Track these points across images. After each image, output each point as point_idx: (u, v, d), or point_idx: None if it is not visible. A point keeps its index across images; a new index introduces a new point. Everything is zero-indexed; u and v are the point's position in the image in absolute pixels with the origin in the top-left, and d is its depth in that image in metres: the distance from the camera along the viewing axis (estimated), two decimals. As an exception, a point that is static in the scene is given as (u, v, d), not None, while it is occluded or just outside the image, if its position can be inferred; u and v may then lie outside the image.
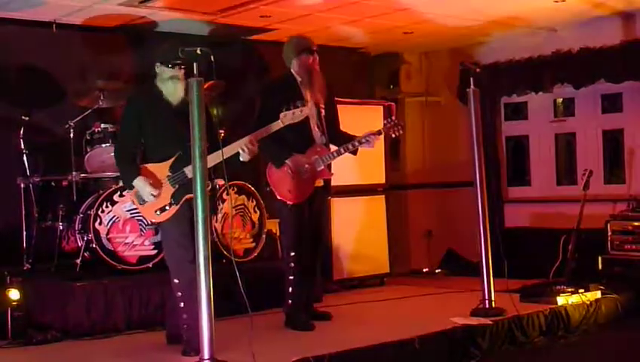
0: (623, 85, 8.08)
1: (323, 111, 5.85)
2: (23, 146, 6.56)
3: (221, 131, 6.43)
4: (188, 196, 4.91)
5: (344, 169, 7.00)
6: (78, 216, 6.30)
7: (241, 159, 5.08)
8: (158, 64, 5.08)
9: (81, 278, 5.94)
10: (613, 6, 7.58)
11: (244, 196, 6.85)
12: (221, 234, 6.62)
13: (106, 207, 6.14)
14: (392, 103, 8.33)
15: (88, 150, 6.59)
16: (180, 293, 5.03)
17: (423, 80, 9.72)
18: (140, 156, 5.22)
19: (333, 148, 5.88)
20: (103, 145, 6.45)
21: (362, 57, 9.31)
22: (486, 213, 6.05)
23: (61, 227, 6.45)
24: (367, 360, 4.97)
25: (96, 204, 6.12)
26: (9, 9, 6.74)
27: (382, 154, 8.05)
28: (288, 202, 5.74)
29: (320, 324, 5.79)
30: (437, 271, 9.03)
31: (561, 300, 6.30)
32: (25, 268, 6.44)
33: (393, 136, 5.94)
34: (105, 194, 6.16)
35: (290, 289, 5.80)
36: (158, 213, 5.05)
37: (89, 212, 6.16)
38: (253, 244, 6.88)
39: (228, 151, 4.94)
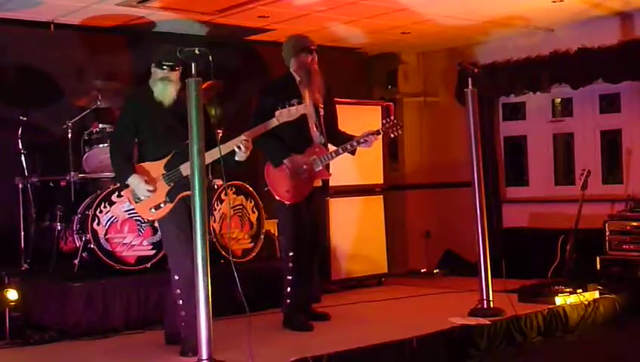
0: (620, 85, 8.09)
1: (322, 111, 5.85)
2: (21, 146, 6.56)
3: (219, 131, 6.43)
4: (183, 194, 4.99)
5: (342, 169, 7.01)
6: (76, 217, 6.30)
7: (236, 158, 5.08)
8: (152, 65, 5.12)
9: (80, 278, 5.94)
10: (611, 6, 7.59)
11: (242, 196, 6.85)
12: (219, 234, 6.62)
13: (104, 207, 6.14)
14: (391, 103, 8.34)
15: (86, 150, 6.59)
16: (179, 290, 5.04)
17: (420, 80, 9.72)
18: (136, 155, 5.26)
19: (331, 148, 5.88)
20: (101, 146, 6.45)
21: (360, 57, 9.32)
22: (484, 213, 6.05)
23: (59, 227, 6.46)
24: (366, 361, 4.96)
25: (95, 204, 6.12)
26: (7, 9, 6.74)
27: (380, 154, 8.06)
28: (286, 202, 5.74)
29: (318, 324, 5.79)
30: (435, 271, 9.03)
31: (559, 300, 6.30)
32: (23, 268, 6.44)
33: (392, 136, 5.96)
34: (103, 194, 6.16)
35: (289, 289, 5.80)
36: (153, 210, 5.09)
37: (87, 212, 6.16)
38: (252, 245, 6.88)
39: (223, 149, 4.94)
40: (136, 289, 6.02)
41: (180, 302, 5.04)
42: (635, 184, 8.06)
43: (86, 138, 6.62)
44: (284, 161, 5.71)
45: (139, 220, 6.15)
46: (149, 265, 6.21)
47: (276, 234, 7.05)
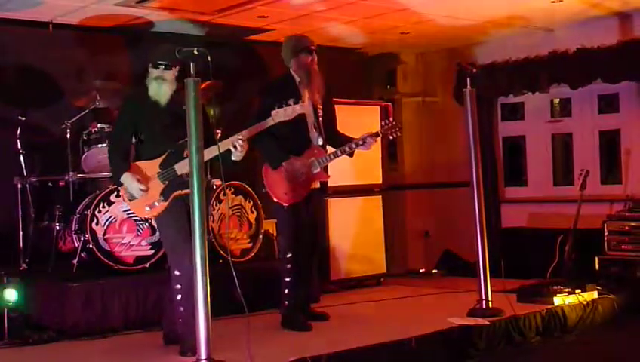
0: (619, 86, 8.09)
1: (320, 111, 5.85)
2: (19, 146, 6.56)
3: (218, 131, 6.43)
4: (177, 192, 5.05)
5: (341, 169, 7.01)
6: (75, 217, 6.30)
7: (233, 158, 5.09)
8: (149, 64, 5.15)
9: (78, 278, 5.94)
10: (609, 6, 7.59)
11: (241, 196, 6.85)
12: (218, 234, 6.62)
13: (103, 207, 6.14)
14: (389, 104, 8.33)
15: (85, 150, 6.60)
16: (179, 286, 5.06)
17: (419, 80, 9.72)
18: (133, 154, 5.30)
19: (330, 150, 5.88)
20: (100, 146, 6.45)
21: (359, 57, 9.32)
22: (483, 213, 6.05)
23: (58, 227, 6.46)
24: (365, 361, 4.97)
25: (93, 204, 6.12)
26: (6, 9, 6.74)
27: (379, 154, 8.05)
28: (284, 204, 5.73)
29: (317, 325, 5.79)
30: (434, 271, 9.03)
31: (557, 300, 6.30)
32: (22, 268, 6.44)
33: (391, 137, 5.95)
34: (102, 194, 6.16)
35: (287, 290, 5.80)
36: (147, 208, 5.13)
37: (86, 212, 6.16)
38: (250, 245, 6.89)
39: (216, 148, 4.93)
40: (135, 290, 6.02)
41: (179, 297, 5.06)
42: (634, 184, 8.07)
43: (85, 138, 6.63)
44: (283, 163, 5.70)
45: (137, 220, 6.15)
46: (147, 265, 6.21)
47: (275, 235, 7.05)
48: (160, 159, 5.10)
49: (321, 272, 6.99)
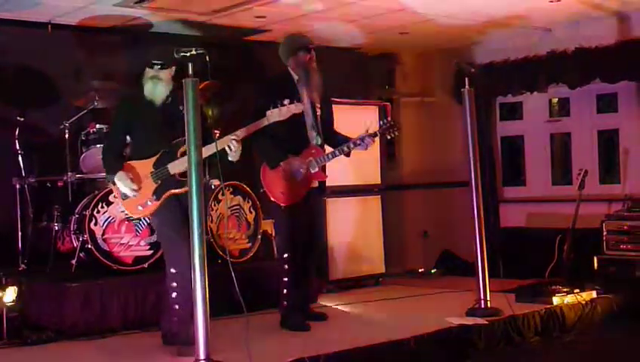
0: (618, 85, 8.09)
1: (319, 110, 5.84)
2: (18, 147, 6.56)
3: (217, 131, 6.43)
4: (170, 192, 5.07)
5: (340, 169, 7.01)
6: (74, 217, 6.30)
7: (229, 158, 5.09)
8: (145, 64, 5.18)
9: (77, 279, 5.94)
10: (608, 6, 7.59)
11: (239, 197, 6.85)
12: (216, 234, 6.62)
13: (102, 207, 6.14)
14: (388, 104, 8.33)
15: (84, 150, 6.60)
16: (175, 283, 5.09)
17: (418, 80, 9.72)
18: (128, 154, 5.34)
19: (328, 149, 5.88)
20: (99, 146, 6.44)
21: (358, 58, 9.31)
22: (481, 213, 6.05)
23: (56, 227, 6.45)
24: (363, 361, 4.97)
25: (92, 204, 6.12)
26: (4, 9, 6.73)
27: (377, 154, 8.06)
28: (281, 204, 5.73)
29: (316, 325, 5.79)
30: (433, 271, 9.03)
31: (556, 300, 6.30)
32: (20, 268, 6.44)
33: (389, 137, 5.94)
34: (100, 194, 6.15)
35: (285, 290, 5.79)
36: (140, 208, 5.16)
37: (84, 212, 6.16)
38: (249, 245, 6.89)
39: (212, 148, 4.94)
40: (134, 290, 6.02)
41: (174, 295, 5.10)
42: (633, 184, 8.07)
43: (83, 138, 6.64)
44: (281, 163, 5.70)
45: (137, 220, 6.15)
46: (146, 265, 6.21)
47: (273, 235, 7.05)
48: (153, 159, 5.13)
49: (320, 272, 6.99)
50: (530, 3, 7.35)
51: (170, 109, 5.13)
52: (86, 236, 6.05)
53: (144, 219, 5.99)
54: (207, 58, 4.64)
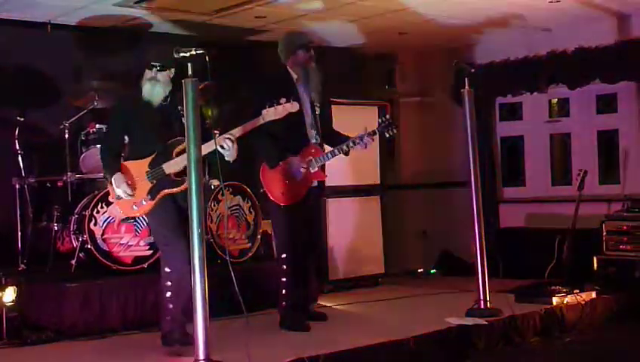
0: (617, 85, 8.10)
1: (318, 110, 5.84)
2: (18, 147, 6.57)
3: (216, 132, 6.42)
4: (165, 191, 5.09)
5: (339, 169, 7.01)
6: (73, 217, 6.29)
7: (226, 158, 5.08)
8: (145, 66, 5.20)
9: (76, 279, 5.94)
10: (608, 6, 7.59)
11: (239, 197, 6.85)
12: (216, 234, 6.62)
13: (101, 207, 6.14)
14: (387, 104, 8.33)
15: (83, 151, 6.61)
16: (169, 283, 5.11)
17: (418, 80, 9.72)
18: (126, 154, 5.36)
19: (327, 148, 5.87)
20: (98, 146, 6.41)
21: (358, 57, 9.31)
22: (481, 213, 6.05)
23: (56, 228, 6.45)
24: (363, 361, 4.97)
25: (92, 204, 6.12)
26: (3, 10, 6.73)
27: (377, 154, 8.06)
28: (281, 204, 5.72)
29: (315, 325, 5.78)
30: (432, 271, 9.03)
31: (556, 300, 6.30)
32: (20, 268, 6.44)
33: (387, 135, 5.91)
34: (100, 194, 6.15)
35: (284, 291, 5.79)
36: (135, 207, 5.20)
37: (84, 212, 6.16)
38: (249, 245, 6.88)
39: (206, 147, 4.93)
40: (133, 290, 6.01)
41: (168, 294, 5.12)
42: (632, 184, 8.07)
43: (83, 138, 6.64)
44: (280, 163, 5.69)
45: (136, 221, 6.15)
46: (145, 265, 6.20)
47: (273, 235, 7.04)
48: (149, 159, 5.14)
49: (320, 272, 6.98)
50: (529, 3, 7.34)
51: (168, 110, 5.16)
52: (85, 236, 6.05)
53: (144, 219, 5.99)
54: (207, 58, 4.64)
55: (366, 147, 5.83)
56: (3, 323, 5.64)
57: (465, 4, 7.27)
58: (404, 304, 6.94)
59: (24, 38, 7.06)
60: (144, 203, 5.15)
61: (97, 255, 6.07)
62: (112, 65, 7.38)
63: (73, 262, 6.13)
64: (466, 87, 6.11)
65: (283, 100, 5.19)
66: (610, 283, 6.99)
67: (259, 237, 6.96)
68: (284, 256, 5.77)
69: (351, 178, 7.78)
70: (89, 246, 6.06)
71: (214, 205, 6.68)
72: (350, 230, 7.85)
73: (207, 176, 6.63)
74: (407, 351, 5.16)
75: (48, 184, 6.67)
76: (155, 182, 5.12)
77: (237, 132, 5.11)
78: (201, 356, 4.42)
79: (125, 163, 5.22)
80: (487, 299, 5.98)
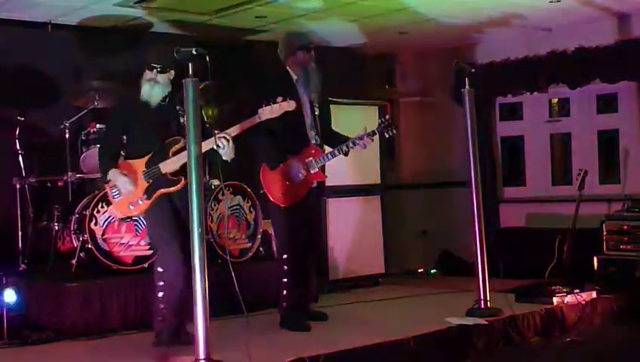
0: (618, 85, 8.10)
1: (317, 110, 5.83)
2: (18, 147, 6.57)
3: (216, 131, 6.42)
4: (162, 191, 5.09)
5: (340, 169, 7.01)
6: (74, 217, 6.30)
7: (224, 158, 5.07)
8: (145, 66, 5.20)
9: (77, 279, 5.94)
10: (608, 6, 7.59)
11: (239, 196, 6.85)
12: (217, 234, 6.62)
13: (102, 207, 6.14)
14: (387, 103, 8.33)
15: (84, 150, 6.61)
16: (161, 282, 5.13)
17: (418, 80, 9.72)
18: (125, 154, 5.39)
19: (327, 149, 5.87)
20: (99, 146, 6.44)
21: (357, 57, 9.31)
22: (481, 213, 6.05)
23: (57, 227, 6.45)
24: (363, 361, 4.97)
25: (92, 204, 6.12)
26: (4, 10, 6.74)
27: (377, 154, 8.06)
28: (281, 205, 5.72)
29: (316, 324, 5.78)
30: (432, 271, 9.04)
31: (556, 300, 6.30)
32: (20, 268, 6.44)
33: (387, 135, 5.90)
34: (100, 194, 6.15)
35: (285, 291, 5.78)
36: (131, 207, 5.19)
37: (84, 212, 6.16)
38: (249, 245, 6.88)
39: (203, 146, 4.92)
40: (134, 290, 6.01)
41: (160, 294, 5.13)
42: (632, 184, 8.07)
43: (83, 138, 6.64)
44: (281, 164, 5.69)
45: (136, 220, 6.15)
46: (146, 265, 6.19)
47: (273, 235, 7.04)
48: (146, 158, 5.15)
49: (320, 272, 6.98)
50: (530, 3, 7.34)
51: (167, 110, 5.17)
52: (86, 236, 6.06)
53: (144, 219, 5.98)
54: (208, 58, 4.64)
55: (365, 147, 5.83)
56: (4, 322, 5.65)
57: (465, 3, 7.28)
58: (404, 304, 6.94)
59: (25, 38, 7.07)
60: (140, 202, 5.15)
61: (98, 255, 6.07)
62: (113, 65, 7.38)
63: (74, 261, 6.13)
64: (467, 86, 6.10)
65: (279, 99, 5.18)
66: (610, 283, 6.99)
67: (259, 236, 6.96)
68: (284, 256, 5.76)
69: (351, 178, 7.78)
70: (89, 246, 6.06)
71: (215, 205, 6.68)
72: (350, 230, 7.85)
73: (207, 176, 6.64)
74: (407, 351, 5.16)
75: (49, 184, 6.67)
76: (151, 181, 5.13)
77: (233, 131, 5.09)
78: (202, 355, 4.42)
79: (123, 162, 5.24)
80: (488, 298, 5.97)
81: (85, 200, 6.35)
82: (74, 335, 5.65)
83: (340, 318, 6.14)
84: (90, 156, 6.52)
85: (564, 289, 6.46)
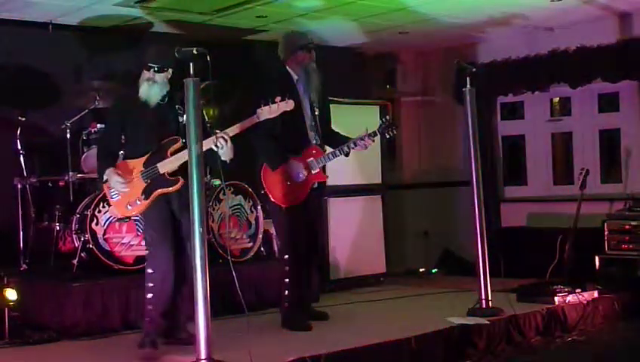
0: (619, 84, 8.10)
1: (317, 110, 5.83)
2: (19, 147, 6.58)
3: (217, 131, 6.41)
4: (160, 191, 5.06)
5: (341, 169, 7.00)
6: (75, 217, 6.30)
7: (223, 158, 5.05)
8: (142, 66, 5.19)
9: (78, 278, 5.94)
10: (609, 5, 7.59)
11: (240, 196, 6.85)
12: (218, 234, 6.62)
13: (103, 207, 6.14)
14: (388, 103, 8.33)
15: (85, 150, 6.61)
16: (151, 284, 5.10)
17: (419, 79, 9.72)
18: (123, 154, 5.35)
19: (328, 149, 5.86)
20: (97, 146, 6.44)
21: (358, 57, 9.31)
22: (482, 212, 6.04)
23: (58, 227, 6.45)
24: (364, 360, 4.97)
25: (93, 204, 6.12)
26: (5, 9, 6.74)
27: (378, 154, 8.05)
28: (282, 205, 5.72)
29: (317, 324, 5.78)
30: (433, 270, 9.03)
31: (558, 300, 6.29)
32: (22, 268, 6.45)
33: (387, 136, 5.90)
34: (101, 194, 6.14)
35: (286, 292, 5.78)
36: (129, 207, 5.16)
37: (86, 212, 6.16)
38: (250, 244, 6.88)
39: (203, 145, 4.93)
40: (135, 289, 5.99)
41: (150, 295, 5.10)
42: (634, 183, 8.07)
43: (84, 138, 6.64)
44: (283, 165, 5.68)
45: (137, 220, 6.14)
46: (147, 265, 6.20)
47: (274, 234, 7.04)
48: (144, 158, 5.12)
49: (321, 272, 6.98)
50: (531, 2, 7.34)
51: (165, 109, 5.14)
52: (87, 236, 6.06)
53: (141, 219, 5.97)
54: (208, 58, 4.64)
55: (366, 148, 5.83)
56: (5, 322, 5.65)
57: (466, 3, 7.27)
58: (405, 303, 6.93)
59: (25, 38, 7.07)
60: (138, 202, 5.12)
61: (99, 254, 6.08)
62: (113, 65, 7.38)
63: (75, 261, 6.13)
64: (468, 86, 6.10)
65: (278, 99, 5.17)
66: (612, 283, 6.98)
67: (260, 236, 6.95)
68: (286, 256, 5.76)
69: (352, 178, 7.78)
70: (91, 246, 6.06)
71: (216, 205, 6.68)
72: (351, 230, 7.85)
73: (208, 176, 6.64)
74: (408, 351, 5.16)
75: (50, 184, 6.67)
76: (149, 181, 5.09)
77: (231, 131, 5.06)
78: (203, 355, 4.42)
79: (121, 162, 5.21)
80: (489, 298, 5.97)
81: (86, 200, 6.35)
82: (75, 335, 5.66)
83: (341, 318, 6.14)
84: (92, 156, 6.52)
85: (566, 289, 6.45)
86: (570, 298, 6.37)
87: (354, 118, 6.97)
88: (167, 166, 5.05)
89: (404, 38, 8.62)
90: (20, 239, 6.56)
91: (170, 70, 5.13)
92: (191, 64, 4.55)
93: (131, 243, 6.20)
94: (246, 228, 6.87)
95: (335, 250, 7.66)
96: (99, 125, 6.54)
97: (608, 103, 8.49)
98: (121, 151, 5.35)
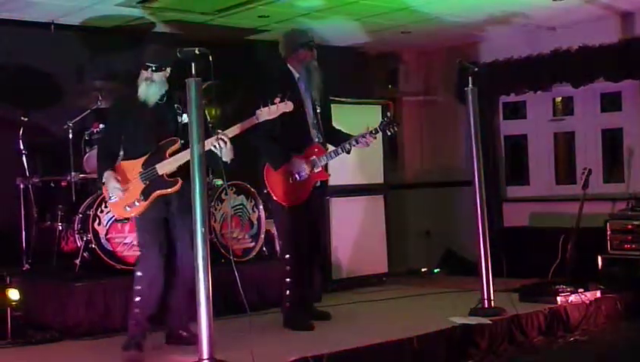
0: (622, 84, 8.09)
1: (319, 108, 5.82)
2: (22, 147, 6.59)
3: (219, 131, 6.41)
4: (158, 192, 5.03)
5: (343, 169, 7.00)
6: (77, 217, 6.30)
7: (223, 159, 5.04)
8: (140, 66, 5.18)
9: (81, 278, 5.95)
10: (611, 4, 7.58)
11: (242, 196, 6.85)
12: (220, 234, 6.62)
13: (105, 207, 6.12)
14: (390, 103, 8.32)
15: (87, 150, 6.62)
16: (139, 287, 5.07)
17: (421, 79, 9.72)
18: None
19: (330, 148, 5.86)
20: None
21: (360, 56, 9.31)
22: (485, 212, 6.04)
23: (60, 227, 6.46)
24: (366, 360, 4.97)
25: (95, 204, 6.12)
26: (7, 9, 6.74)
27: (380, 153, 8.05)
28: (285, 204, 5.71)
29: (319, 324, 5.78)
30: (436, 270, 9.03)
31: (560, 300, 6.29)
32: (24, 268, 6.45)
33: (388, 133, 5.88)
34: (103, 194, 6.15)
35: (288, 291, 5.78)
36: (127, 208, 5.13)
37: (88, 212, 6.17)
38: (252, 244, 6.88)
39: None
40: (137, 289, 6.01)
41: (137, 299, 5.07)
42: (637, 182, 8.06)
43: (87, 138, 6.65)
44: (285, 164, 5.68)
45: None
46: (149, 264, 6.20)
47: (276, 234, 7.04)
48: (142, 159, 5.09)
49: (323, 271, 6.98)
50: (533, 2, 7.33)
51: (164, 109, 5.12)
52: (90, 236, 6.06)
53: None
54: (210, 58, 4.63)
55: (368, 145, 5.82)
56: (8, 322, 5.66)
57: (468, 2, 7.27)
58: (407, 303, 6.93)
59: (27, 38, 7.07)
60: (137, 204, 5.08)
61: (101, 254, 6.08)
62: (115, 65, 7.38)
63: (77, 261, 6.14)
64: (470, 85, 6.10)
65: (277, 100, 5.15)
66: (614, 283, 6.97)
67: (262, 236, 6.96)
68: (287, 256, 5.76)
69: (354, 177, 7.78)
70: (93, 246, 6.07)
71: (218, 204, 6.68)
72: (353, 229, 7.85)
73: (210, 176, 6.64)
74: (410, 351, 5.16)
75: (52, 184, 6.68)
76: (148, 182, 5.06)
77: (231, 132, 5.05)
78: (205, 355, 4.42)
79: (121, 163, 5.18)
80: (491, 298, 5.97)
81: (89, 200, 6.36)
82: (78, 335, 5.67)
83: (343, 318, 6.14)
84: (94, 156, 6.49)
85: (568, 289, 6.45)
86: (572, 298, 6.36)
87: (356, 118, 6.95)
88: (165, 167, 5.03)
89: (407, 38, 8.62)
90: (23, 239, 6.56)
91: (169, 69, 5.11)
92: (193, 64, 4.55)
93: (133, 243, 6.18)
94: (248, 228, 6.87)
95: (337, 249, 7.66)
96: (101, 125, 6.54)
97: (611, 103, 8.48)
98: (121, 152, 5.35)
